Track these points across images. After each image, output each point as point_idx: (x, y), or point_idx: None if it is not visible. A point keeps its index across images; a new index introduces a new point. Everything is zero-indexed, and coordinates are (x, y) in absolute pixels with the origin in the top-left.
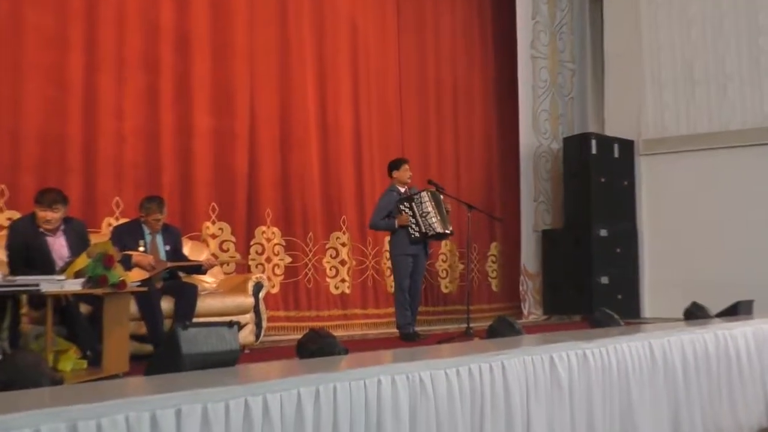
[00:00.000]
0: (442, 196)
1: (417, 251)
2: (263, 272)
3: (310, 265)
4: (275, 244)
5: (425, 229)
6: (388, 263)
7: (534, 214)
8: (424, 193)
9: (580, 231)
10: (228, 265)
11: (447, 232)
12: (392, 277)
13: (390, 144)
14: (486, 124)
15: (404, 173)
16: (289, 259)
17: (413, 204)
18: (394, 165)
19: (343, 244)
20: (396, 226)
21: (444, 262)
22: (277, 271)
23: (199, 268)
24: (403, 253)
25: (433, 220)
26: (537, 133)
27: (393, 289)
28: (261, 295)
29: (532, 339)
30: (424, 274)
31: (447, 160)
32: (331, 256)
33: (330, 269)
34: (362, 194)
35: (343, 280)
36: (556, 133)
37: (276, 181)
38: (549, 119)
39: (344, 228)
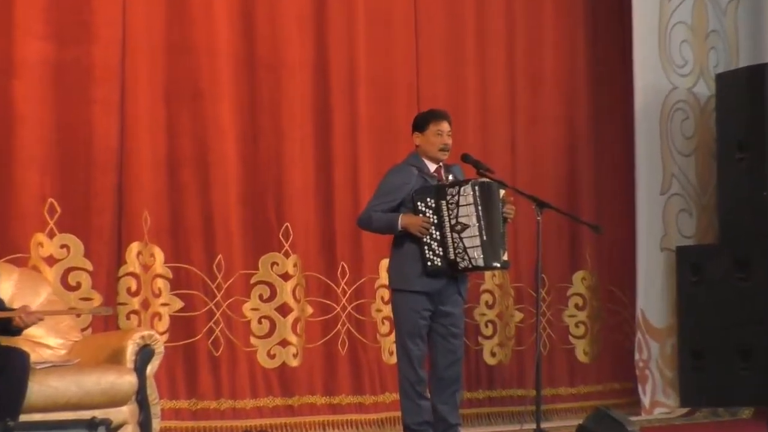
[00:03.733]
0: (503, 193)
1: (438, 287)
2: (138, 324)
3: (218, 315)
4: (156, 276)
5: (455, 255)
6: (386, 309)
7: (661, 217)
8: (467, 188)
9: (749, 249)
10: (78, 316)
11: (496, 265)
12: (393, 335)
13: (393, 91)
14: (567, 51)
15: (434, 139)
16: (179, 304)
17: (442, 205)
18: (419, 122)
19: (285, 276)
20: (399, 227)
21: (488, 307)
22: (159, 325)
23: (9, 325)
24: (411, 288)
25: (474, 241)
26: (667, 66)
27: (395, 359)
28: (151, 369)
29: None
30: (462, 333)
31: (496, 118)
32: (260, 297)
33: (258, 322)
34: (328, 187)
35: (284, 342)
36: (703, 66)
37: (160, 161)
38: (690, 39)
39: (287, 246)
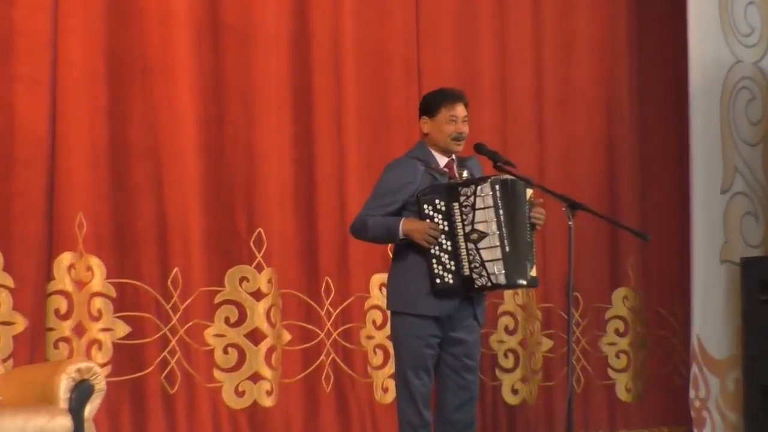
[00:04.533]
0: (530, 192)
1: (449, 309)
2: (69, 353)
3: (173, 343)
4: (94, 294)
5: (470, 270)
6: (378, 336)
7: (722, 222)
8: (485, 187)
9: None
10: None
11: (522, 282)
12: (388, 368)
13: (387, 66)
14: (606, 15)
15: (446, 127)
16: (125, 329)
17: (454, 208)
18: (428, 104)
19: (257, 294)
20: (401, 234)
21: (509, 333)
22: (99, 355)
23: None
24: (415, 311)
25: (494, 253)
26: (729, 35)
27: (391, 397)
28: (90, 410)
29: None
30: (477, 366)
31: (518, 99)
32: (226, 321)
33: (223, 352)
34: (310, 185)
35: (256, 377)
36: None
37: (100, 153)
38: (758, 1)
39: (259, 257)
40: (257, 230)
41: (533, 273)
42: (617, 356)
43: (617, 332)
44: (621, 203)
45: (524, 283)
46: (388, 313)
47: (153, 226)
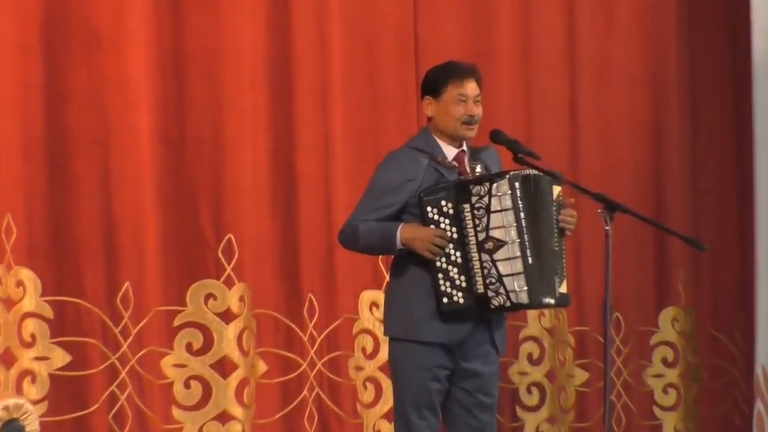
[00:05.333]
0: (558, 190)
1: (460, 335)
2: None
3: (123, 375)
4: (26, 315)
5: (484, 287)
6: (369, 367)
7: None
8: (502, 184)
9: None
10: None
11: (549, 301)
12: (383, 405)
13: (379, 36)
14: None
15: (454, 109)
16: (64, 358)
17: (464, 210)
18: (432, 81)
19: (227, 315)
20: (399, 243)
21: (533, 363)
22: (33, 389)
23: None
24: (418, 337)
25: (514, 266)
26: None
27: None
28: None
29: None
30: (494, 403)
31: (545, 74)
32: (187, 348)
33: (185, 386)
34: (290, 181)
35: (224, 416)
36: None
37: (34, 141)
38: None
39: (229, 270)
40: (227, 236)
41: (563, 289)
42: (665, 391)
43: (665, 362)
44: (670, 204)
45: (551, 301)
46: (384, 339)
47: (99, 231)
